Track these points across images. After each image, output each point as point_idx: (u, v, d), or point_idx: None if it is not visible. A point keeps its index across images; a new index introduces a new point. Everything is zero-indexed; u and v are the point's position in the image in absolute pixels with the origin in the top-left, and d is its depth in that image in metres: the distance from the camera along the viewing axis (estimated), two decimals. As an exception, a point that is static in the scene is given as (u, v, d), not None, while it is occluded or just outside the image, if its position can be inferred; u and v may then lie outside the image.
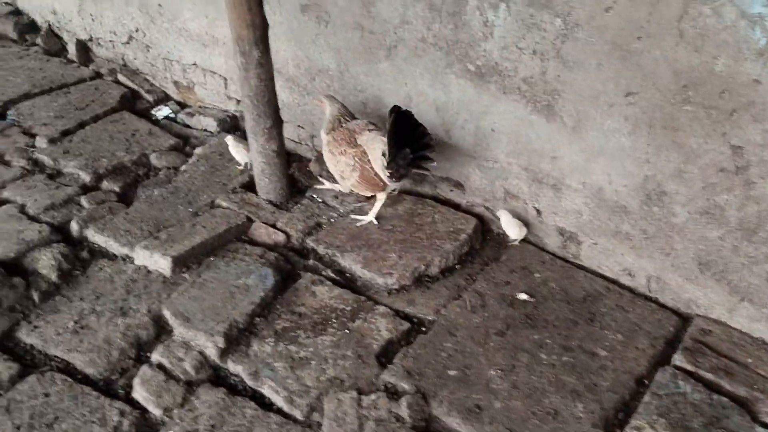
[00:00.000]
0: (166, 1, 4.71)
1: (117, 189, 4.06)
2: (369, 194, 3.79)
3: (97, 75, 5.34)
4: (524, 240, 3.74)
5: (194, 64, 4.88)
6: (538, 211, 3.62)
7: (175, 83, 5.12)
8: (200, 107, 4.97)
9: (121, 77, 5.29)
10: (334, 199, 4.01)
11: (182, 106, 5.12)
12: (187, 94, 5.09)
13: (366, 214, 3.81)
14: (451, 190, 3.96)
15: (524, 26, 3.22)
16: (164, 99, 5.19)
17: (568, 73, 3.16)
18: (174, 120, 4.91)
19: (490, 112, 3.55)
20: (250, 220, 3.80)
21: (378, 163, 3.53)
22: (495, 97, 3.50)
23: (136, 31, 5.12)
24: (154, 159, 4.34)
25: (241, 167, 4.23)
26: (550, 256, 3.62)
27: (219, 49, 4.63)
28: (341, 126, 3.74)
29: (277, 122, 3.71)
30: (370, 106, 4.03)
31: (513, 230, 3.59)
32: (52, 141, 4.38)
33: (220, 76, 4.77)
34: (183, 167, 4.23)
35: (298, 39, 4.13)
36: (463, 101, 3.62)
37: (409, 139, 3.38)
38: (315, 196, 4.06)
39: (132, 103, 5.07)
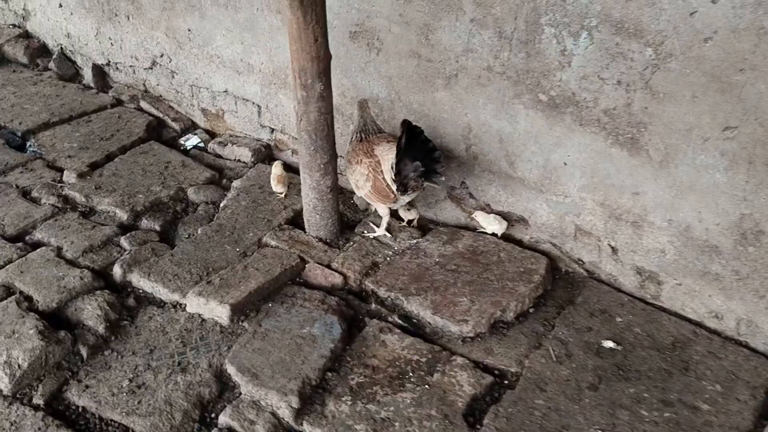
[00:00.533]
0: (198, 27, 4.46)
1: (157, 227, 3.80)
2: (382, 206, 3.65)
3: (118, 102, 5.07)
4: (595, 278, 3.52)
5: (225, 91, 4.63)
6: (614, 249, 3.41)
7: (203, 111, 4.87)
8: (231, 136, 4.72)
9: (144, 104, 5.03)
10: (386, 235, 3.76)
11: (211, 134, 4.87)
12: (215, 122, 4.84)
13: (423, 250, 3.58)
14: (512, 225, 3.74)
15: (608, 55, 3.02)
16: (191, 127, 4.93)
17: (657, 105, 2.96)
18: (204, 150, 4.65)
19: (562, 144, 3.34)
20: (303, 261, 3.55)
21: (388, 174, 3.43)
22: (569, 129, 3.29)
23: (161, 56, 4.87)
24: (191, 194, 4.08)
25: (280, 196, 4.05)
26: (628, 298, 3.41)
27: (254, 76, 4.39)
28: (366, 138, 3.61)
29: (333, 157, 3.47)
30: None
31: (494, 227, 3.67)
32: (81, 176, 4.10)
33: (254, 103, 4.53)
34: (223, 202, 3.98)
35: (345, 67, 3.90)
36: (531, 133, 3.41)
37: (421, 153, 3.31)
38: (365, 232, 3.81)
39: (158, 132, 4.81)
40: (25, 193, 3.99)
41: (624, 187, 3.28)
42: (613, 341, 3.16)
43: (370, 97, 3.89)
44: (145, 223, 3.82)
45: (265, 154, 4.57)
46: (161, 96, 5.11)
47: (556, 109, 3.30)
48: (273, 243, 3.70)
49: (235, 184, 4.19)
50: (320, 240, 3.75)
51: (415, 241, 3.75)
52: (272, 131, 4.60)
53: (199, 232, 3.76)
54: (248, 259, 3.51)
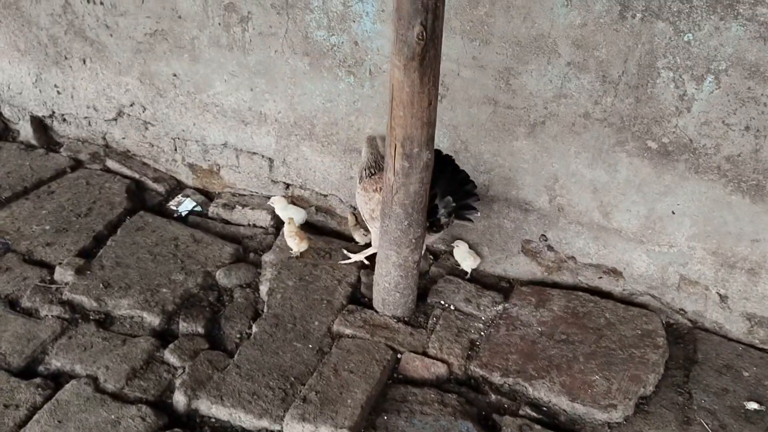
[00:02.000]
0: (188, 71, 3.77)
1: (200, 329, 3.15)
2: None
3: (77, 163, 4.24)
4: (699, 327, 3.31)
5: (224, 144, 3.97)
6: (723, 297, 3.20)
7: (191, 166, 4.16)
8: (234, 195, 4.07)
9: (112, 164, 4.23)
10: (465, 303, 3.41)
11: (204, 194, 4.17)
12: (208, 178, 4.15)
13: (517, 318, 3.26)
14: (600, 277, 3.43)
15: (737, 100, 2.76)
16: (177, 187, 4.21)
17: (794, 152, 2.73)
18: (204, 215, 3.98)
19: (672, 193, 3.06)
20: (393, 351, 3.05)
21: None
22: (682, 177, 3.02)
23: (131, 105, 4.10)
24: (221, 278, 3.44)
25: (293, 253, 3.59)
26: (742, 347, 3.24)
27: (267, 127, 3.77)
28: (377, 172, 3.28)
29: (424, 229, 2.98)
30: (495, 189, 3.40)
31: (467, 262, 3.53)
32: (79, 271, 3.33)
33: (264, 157, 3.91)
34: (266, 285, 3.41)
35: (394, 115, 3.39)
36: (633, 182, 3.11)
37: (452, 186, 3.08)
38: (443, 302, 3.36)
39: (141, 197, 4.06)
40: (13, 305, 3.18)
41: (742, 234, 3.06)
42: (756, 401, 2.94)
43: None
44: (183, 326, 3.15)
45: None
46: (129, 151, 4.32)
47: (667, 156, 3.00)
48: (348, 331, 3.16)
49: (267, 258, 3.57)
50: (399, 320, 3.26)
51: (500, 307, 3.34)
52: (287, 187, 4.00)
53: (254, 329, 3.14)
54: (331, 359, 2.96)
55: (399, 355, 3.09)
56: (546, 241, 3.44)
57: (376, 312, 3.30)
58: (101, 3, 3.78)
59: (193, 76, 3.83)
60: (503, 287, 3.59)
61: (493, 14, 2.97)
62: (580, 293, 3.41)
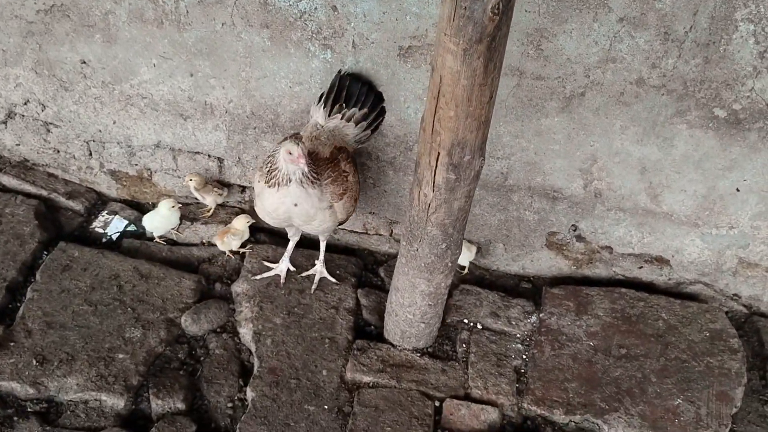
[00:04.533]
0: (102, 56, 2.89)
1: (181, 405, 2.39)
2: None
3: (-44, 184, 3.24)
4: (755, 312, 2.89)
5: (156, 144, 3.12)
6: (788, 278, 2.75)
7: (113, 174, 3.29)
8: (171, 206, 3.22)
9: (6, 179, 3.29)
10: (493, 318, 2.84)
11: (133, 206, 3.31)
12: (137, 187, 3.30)
13: (560, 332, 2.78)
14: (641, 267, 2.93)
15: (830, 55, 2.23)
16: (99, 202, 3.32)
17: None
18: (142, 235, 3.13)
19: (738, 167, 2.57)
20: (428, 397, 2.43)
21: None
22: (752, 149, 2.53)
23: (25, 104, 3.15)
24: (188, 325, 2.68)
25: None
26: (810, 331, 2.79)
27: (214, 120, 2.96)
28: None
29: (460, 249, 2.34)
30: (515, 176, 2.80)
31: (464, 256, 2.85)
32: (-3, 344, 2.45)
33: (212, 157, 3.10)
34: (247, 328, 2.72)
35: (389, 97, 2.70)
36: (691, 158, 2.59)
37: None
38: (466, 320, 2.77)
39: (55, 221, 3.16)
40: None
41: (816, 209, 2.58)
42: None
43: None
44: (157, 404, 2.40)
45: (242, 227, 3.16)
46: (28, 161, 3.37)
47: (737, 125, 2.49)
48: (367, 379, 2.52)
49: (239, 288, 2.83)
50: (422, 353, 2.65)
51: (534, 318, 2.79)
52: (243, 190, 3.20)
53: (249, 393, 2.43)
54: (357, 423, 2.31)
55: (437, 403, 2.45)
56: (575, 231, 2.86)
57: (393, 346, 2.66)
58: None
59: (110, 62, 2.92)
60: (526, 289, 3.02)
61: (523, -39, 2.29)
62: (623, 290, 2.89)
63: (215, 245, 3.04)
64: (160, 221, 2.99)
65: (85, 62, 2.94)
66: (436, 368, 2.58)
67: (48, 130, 3.25)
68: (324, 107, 2.59)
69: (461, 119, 1.89)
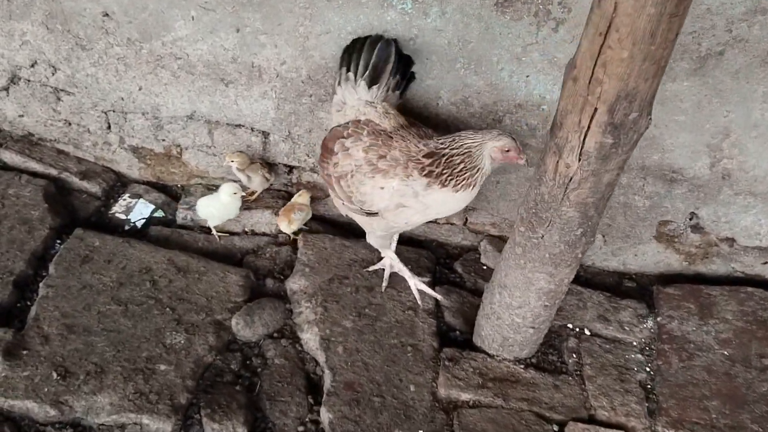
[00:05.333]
0: (129, 7, 2.40)
1: (242, 430, 1.88)
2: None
3: (-54, 161, 2.73)
4: None
5: (190, 115, 2.62)
6: None
7: (135, 151, 2.79)
8: (207, 188, 2.73)
9: (8, 155, 2.78)
10: (602, 323, 2.42)
11: (161, 190, 2.81)
12: (165, 166, 2.81)
13: (686, 339, 2.34)
14: (766, 263, 2.48)
15: None
16: (118, 184, 2.82)
17: None
18: (172, 223, 2.64)
19: None
20: (544, 420, 1.96)
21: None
22: None
23: (32, 66, 2.65)
24: (240, 328, 2.21)
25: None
26: None
27: (262, 86, 2.48)
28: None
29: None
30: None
31: None
32: (8, 353, 1.99)
33: (255, 131, 2.61)
34: (310, 333, 2.26)
35: (478, 57, 2.26)
36: None
37: None
38: (570, 325, 2.32)
39: (67, 205, 2.66)
40: None
41: None
42: None
43: (529, 99, 2.27)
44: (214, 428, 1.90)
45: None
46: (33, 135, 2.86)
47: None
48: (466, 396, 2.07)
49: (295, 285, 2.36)
50: (526, 364, 2.20)
51: (649, 322, 2.37)
52: (291, 171, 2.71)
53: (325, 414, 1.96)
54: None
55: (556, 427, 1.98)
56: (693, 220, 2.41)
57: (489, 355, 2.19)
58: None
59: (138, 15, 2.42)
60: (630, 289, 2.57)
61: None
62: (750, 289, 2.42)
63: (260, 234, 2.56)
64: (218, 209, 2.50)
65: (107, 14, 2.45)
66: (546, 383, 2.12)
67: (59, 99, 2.74)
68: (371, 82, 2.18)
69: (637, 62, 1.43)
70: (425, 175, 1.94)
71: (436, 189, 1.94)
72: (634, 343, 2.32)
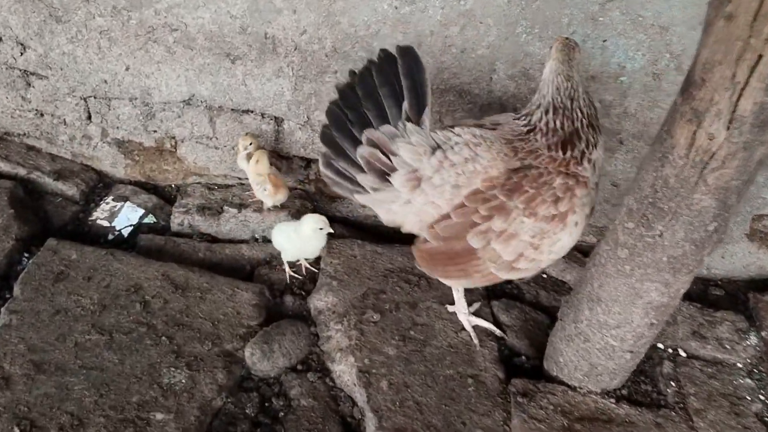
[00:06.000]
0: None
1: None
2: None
3: None
4: None
5: (187, 100, 2.16)
6: None
7: (121, 145, 2.32)
8: (209, 188, 2.28)
9: (-34, 153, 2.28)
10: (698, 341, 1.98)
11: (152, 191, 2.34)
12: (156, 163, 2.34)
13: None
14: None
15: None
16: (100, 185, 2.34)
17: None
18: (165, 230, 2.19)
19: None
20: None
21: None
22: None
23: (-4, 43, 2.17)
24: (255, 361, 1.79)
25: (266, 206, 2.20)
26: None
27: (277, 62, 2.04)
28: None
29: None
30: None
31: None
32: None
33: (267, 117, 2.15)
34: (344, 364, 1.81)
35: (535, 17, 1.79)
36: None
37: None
38: (661, 345, 1.89)
39: (38, 210, 2.19)
40: None
41: None
42: None
43: (604, 69, 1.84)
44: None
45: (307, 211, 2.23)
46: (-2, 128, 2.38)
47: None
48: (550, 442, 1.55)
49: (320, 302, 1.94)
50: (618, 397, 1.75)
51: (753, 338, 1.92)
52: (308, 165, 2.26)
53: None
54: None
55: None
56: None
57: (569, 386, 1.73)
58: None
59: (124, -26, 1.96)
60: (718, 297, 2.11)
61: None
62: None
63: (271, 241, 2.08)
64: (294, 243, 2.01)
65: (85, -23, 1.98)
66: (646, 421, 1.67)
67: (28, 84, 2.29)
68: (417, 112, 1.63)
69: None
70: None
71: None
72: (739, 365, 1.88)
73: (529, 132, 1.61)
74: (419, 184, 1.57)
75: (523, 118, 1.63)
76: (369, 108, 1.58)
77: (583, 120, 1.60)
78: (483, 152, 1.57)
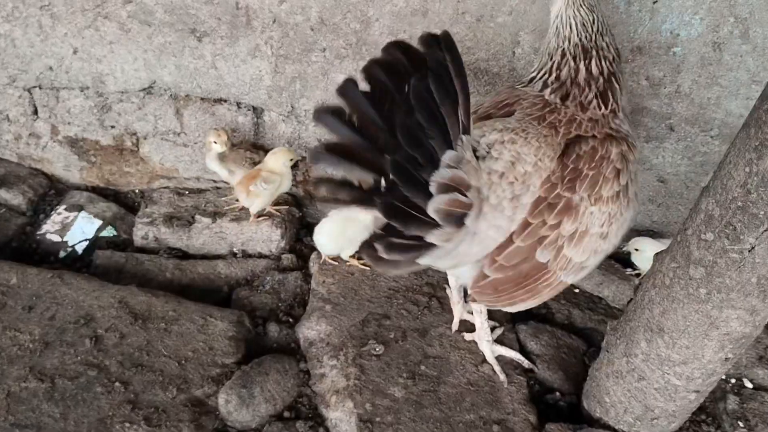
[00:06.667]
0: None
1: None
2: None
3: None
4: None
5: (148, 88, 1.80)
6: None
7: (74, 144, 1.96)
8: (179, 194, 1.92)
9: None
10: (764, 367, 1.65)
11: (112, 199, 1.98)
12: (117, 165, 1.99)
13: None
14: None
15: None
16: (50, 192, 1.99)
17: None
18: (128, 245, 1.85)
19: None
20: None
21: None
22: None
23: None
24: (231, 410, 1.46)
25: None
26: None
27: (252, 38, 1.67)
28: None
29: None
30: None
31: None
32: None
33: (243, 106, 1.79)
34: (342, 411, 1.48)
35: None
36: None
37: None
38: (723, 376, 1.49)
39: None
40: None
41: None
42: None
43: (653, 38, 1.48)
44: None
45: (297, 225, 1.88)
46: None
47: None
48: None
49: (310, 332, 1.61)
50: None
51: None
52: (295, 165, 1.90)
53: None
54: None
55: None
56: None
57: (617, 432, 1.37)
58: None
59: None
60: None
61: None
62: None
63: (256, 256, 1.76)
64: (345, 242, 1.68)
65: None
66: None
67: (-42, 75, 1.91)
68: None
69: None
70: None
71: None
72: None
73: (555, 95, 1.27)
74: (481, 209, 1.20)
75: (540, 81, 1.28)
76: (431, 128, 1.12)
77: (616, 58, 1.33)
78: (523, 148, 1.21)
